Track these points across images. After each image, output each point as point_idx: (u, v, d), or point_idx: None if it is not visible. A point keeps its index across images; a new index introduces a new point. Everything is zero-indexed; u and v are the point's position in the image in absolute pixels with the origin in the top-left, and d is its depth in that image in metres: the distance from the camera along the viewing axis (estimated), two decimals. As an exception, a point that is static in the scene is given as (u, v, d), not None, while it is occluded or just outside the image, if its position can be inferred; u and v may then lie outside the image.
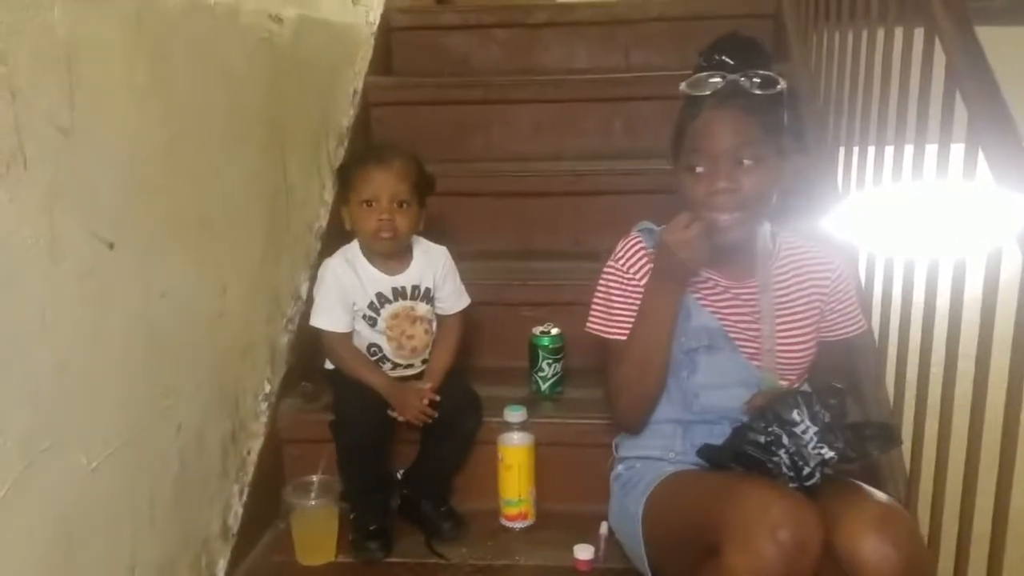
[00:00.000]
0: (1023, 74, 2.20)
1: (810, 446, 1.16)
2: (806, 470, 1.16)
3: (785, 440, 1.17)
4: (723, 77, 1.31)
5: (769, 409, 1.21)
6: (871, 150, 1.69)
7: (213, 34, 1.52)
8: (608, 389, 1.51)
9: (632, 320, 1.43)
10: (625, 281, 1.45)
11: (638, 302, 1.43)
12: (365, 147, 2.22)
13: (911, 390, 1.45)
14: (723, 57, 1.33)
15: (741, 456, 1.21)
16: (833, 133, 1.92)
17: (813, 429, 1.16)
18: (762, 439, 1.19)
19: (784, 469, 1.18)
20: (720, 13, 2.60)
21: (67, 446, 1.10)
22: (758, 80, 1.30)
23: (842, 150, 1.86)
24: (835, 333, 1.46)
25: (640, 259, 1.44)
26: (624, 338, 1.44)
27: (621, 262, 1.46)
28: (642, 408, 1.45)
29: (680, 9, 2.59)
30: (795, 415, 1.17)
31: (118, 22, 1.22)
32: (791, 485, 1.18)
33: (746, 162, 1.30)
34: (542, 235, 2.23)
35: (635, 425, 1.47)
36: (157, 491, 1.32)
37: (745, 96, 1.30)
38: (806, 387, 1.20)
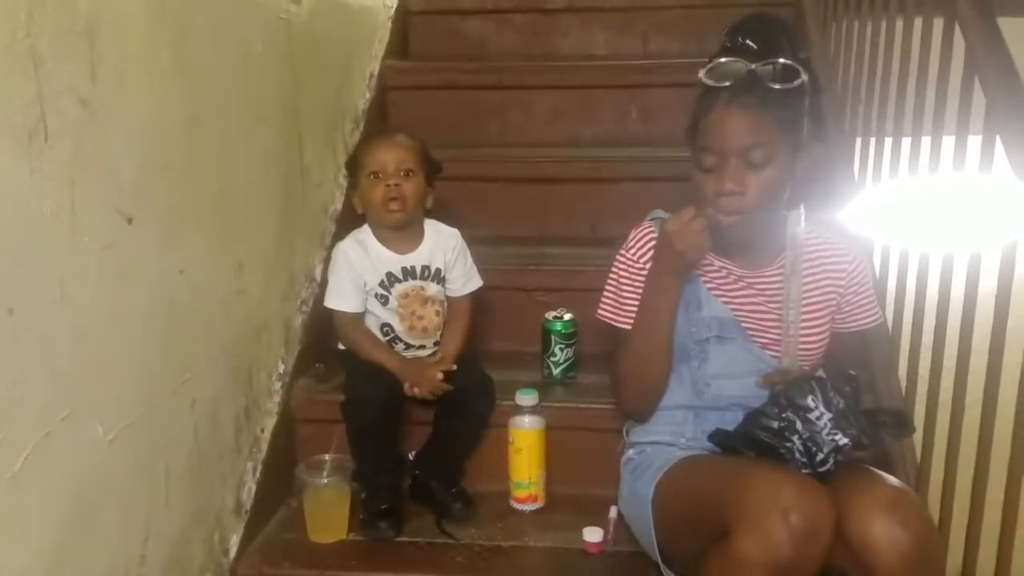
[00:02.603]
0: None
1: (824, 432, 1.16)
2: (819, 456, 1.17)
3: (799, 426, 1.18)
4: (744, 65, 1.29)
5: (783, 394, 1.21)
6: (888, 141, 1.67)
7: (232, 14, 1.53)
8: (613, 377, 1.53)
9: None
10: (636, 270, 1.45)
11: None
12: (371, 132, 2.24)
13: (924, 382, 1.44)
14: (747, 41, 1.32)
15: (754, 441, 1.22)
16: (850, 123, 1.91)
17: (827, 415, 1.17)
18: (775, 424, 1.19)
19: (797, 455, 1.18)
20: (739, 1, 2.60)
21: (85, 417, 1.11)
22: (778, 71, 1.28)
23: (859, 140, 1.85)
24: (850, 324, 1.46)
25: (651, 248, 1.44)
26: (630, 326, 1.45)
27: (632, 251, 1.46)
28: (645, 399, 1.46)
29: (699, -4, 2.58)
30: (809, 401, 1.18)
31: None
32: (804, 471, 1.18)
33: (756, 162, 1.29)
34: (558, 221, 2.23)
35: (639, 414, 1.48)
36: (172, 465, 1.34)
37: (762, 89, 1.28)
38: (820, 373, 1.20)
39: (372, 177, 1.64)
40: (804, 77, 1.28)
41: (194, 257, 1.39)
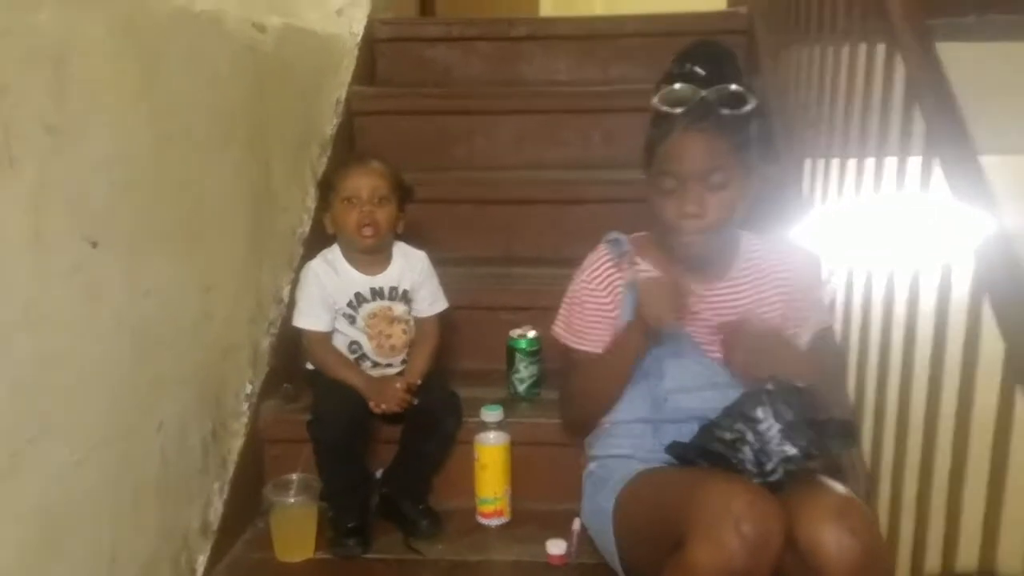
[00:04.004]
0: (996, 89, 2.29)
1: (773, 443, 1.21)
2: (769, 466, 1.21)
3: (750, 437, 1.22)
4: (695, 91, 1.35)
5: (735, 407, 1.25)
6: (835, 162, 1.74)
7: (199, 40, 1.56)
8: (563, 392, 1.61)
9: (594, 331, 1.50)
10: (588, 292, 1.51)
11: (601, 316, 1.49)
12: (347, 156, 2.27)
13: (871, 393, 1.50)
14: (695, 67, 1.38)
15: (707, 452, 1.26)
16: (799, 145, 1.98)
17: (777, 427, 1.21)
18: (728, 436, 1.24)
19: (749, 465, 1.23)
20: (695, 29, 2.67)
21: (52, 438, 1.13)
22: (729, 98, 1.34)
23: (808, 161, 1.91)
24: (807, 327, 1.50)
25: (606, 272, 1.50)
26: (583, 348, 1.51)
27: (586, 273, 1.52)
28: (588, 422, 1.54)
29: (656, 25, 2.65)
30: (759, 413, 1.22)
31: (107, 25, 1.26)
32: (755, 481, 1.22)
33: (715, 185, 1.35)
34: (524, 242, 2.27)
35: (579, 431, 1.58)
36: (139, 486, 1.35)
37: (716, 116, 1.34)
38: (770, 386, 1.24)
39: (346, 202, 1.68)
40: (753, 103, 1.34)
41: (161, 280, 1.41)
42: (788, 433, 1.21)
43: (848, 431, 1.27)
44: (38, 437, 1.10)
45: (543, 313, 1.91)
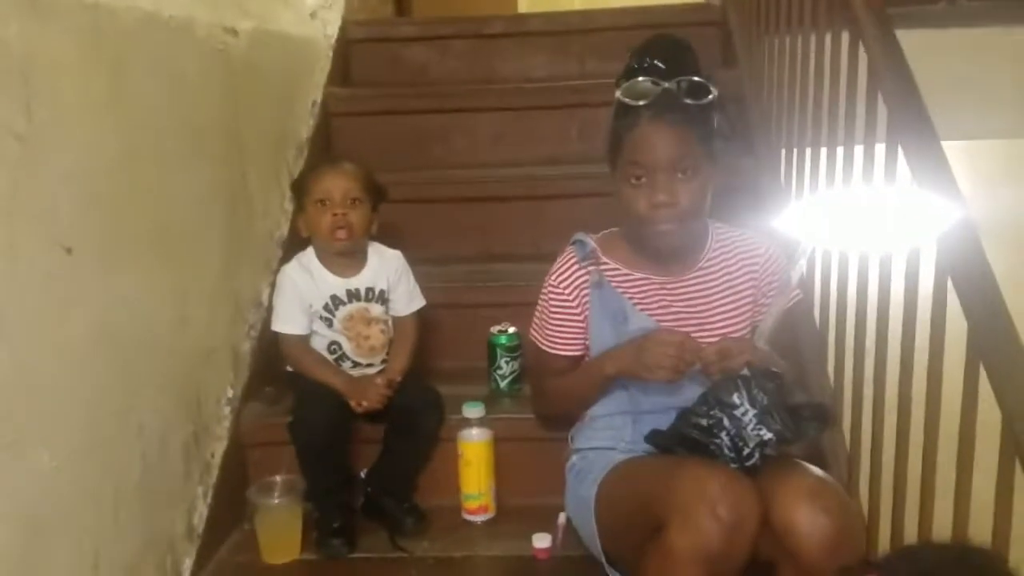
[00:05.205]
0: (963, 75, 2.32)
1: (749, 428, 1.23)
2: (746, 451, 1.23)
3: (726, 423, 1.24)
4: (656, 83, 1.36)
5: (711, 393, 1.27)
6: (808, 151, 1.76)
7: (168, 47, 1.56)
8: (535, 389, 1.67)
9: (562, 337, 1.52)
10: (557, 298, 1.52)
11: (567, 319, 1.51)
12: (319, 159, 2.28)
13: (848, 375, 1.52)
14: (655, 61, 1.40)
15: (685, 440, 1.27)
16: (776, 135, 2.00)
17: (752, 411, 1.23)
18: (704, 422, 1.25)
19: (726, 451, 1.24)
20: (668, 21, 2.68)
21: (29, 444, 1.13)
22: (691, 88, 1.36)
23: (783, 151, 1.93)
24: (775, 306, 1.50)
25: (574, 276, 1.51)
26: (553, 351, 1.54)
27: (554, 277, 1.53)
28: (562, 417, 1.61)
29: (630, 18, 2.66)
30: (735, 398, 1.24)
31: (75, 36, 1.26)
32: (732, 466, 1.24)
33: (683, 174, 1.37)
34: (501, 240, 2.28)
35: (554, 425, 1.65)
36: (120, 491, 1.35)
37: (680, 107, 1.36)
38: (745, 372, 1.26)
39: (319, 204, 1.68)
40: (714, 93, 1.36)
41: (136, 286, 1.41)
42: (763, 418, 1.23)
43: (823, 414, 1.29)
44: (15, 443, 1.10)
45: (523, 309, 1.91)
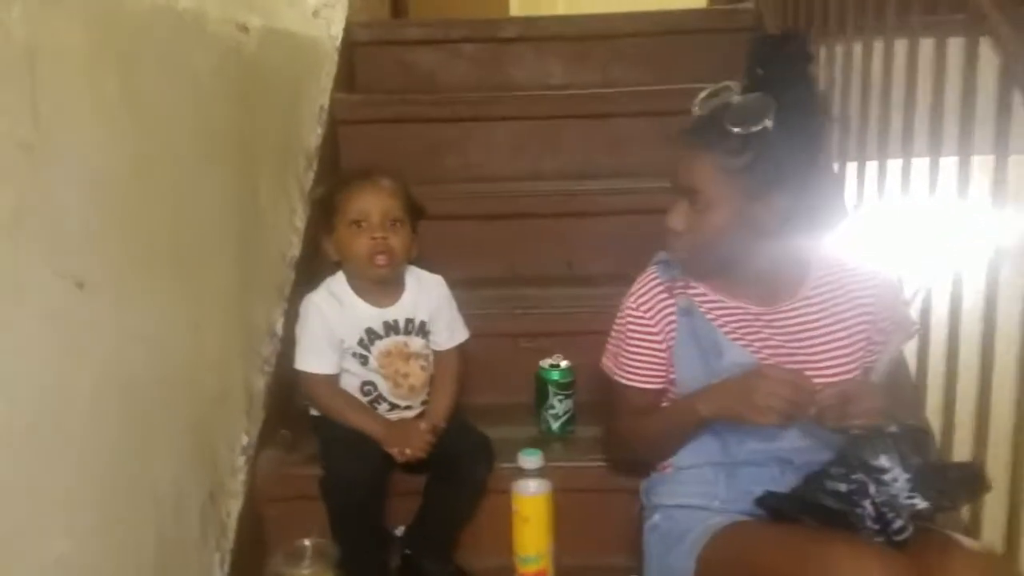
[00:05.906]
0: None
1: (902, 496, 1.04)
2: (897, 523, 1.04)
3: (871, 489, 1.05)
4: (703, 102, 1.23)
5: (851, 452, 1.08)
6: (893, 163, 1.60)
7: (181, 41, 1.34)
8: (608, 427, 1.49)
9: (640, 368, 1.34)
10: (637, 323, 1.34)
11: (650, 349, 1.33)
12: (337, 170, 2.06)
13: (963, 427, 1.34)
14: (757, 68, 1.22)
15: (817, 507, 1.08)
16: (849, 148, 1.81)
17: (904, 476, 1.04)
18: (843, 487, 1.06)
19: (868, 522, 1.05)
20: (697, 27, 2.54)
21: (36, 532, 0.90)
22: (739, 112, 1.18)
23: (854, 164, 1.76)
24: (890, 346, 1.33)
25: (656, 297, 1.33)
26: (630, 383, 1.35)
27: (633, 299, 1.35)
28: (642, 462, 1.41)
29: (655, 23, 2.50)
30: (884, 461, 1.05)
31: (83, 24, 1.03)
32: (877, 539, 1.05)
33: (697, 204, 1.23)
34: (530, 259, 2.08)
35: (625, 466, 1.48)
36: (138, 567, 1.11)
37: (719, 131, 1.18)
38: (893, 428, 1.07)
39: (354, 226, 1.46)
40: (768, 122, 1.16)
41: (152, 320, 1.18)
42: (917, 484, 1.04)
43: (973, 474, 1.11)
44: (19, 530, 0.86)
45: (566, 339, 1.75)
